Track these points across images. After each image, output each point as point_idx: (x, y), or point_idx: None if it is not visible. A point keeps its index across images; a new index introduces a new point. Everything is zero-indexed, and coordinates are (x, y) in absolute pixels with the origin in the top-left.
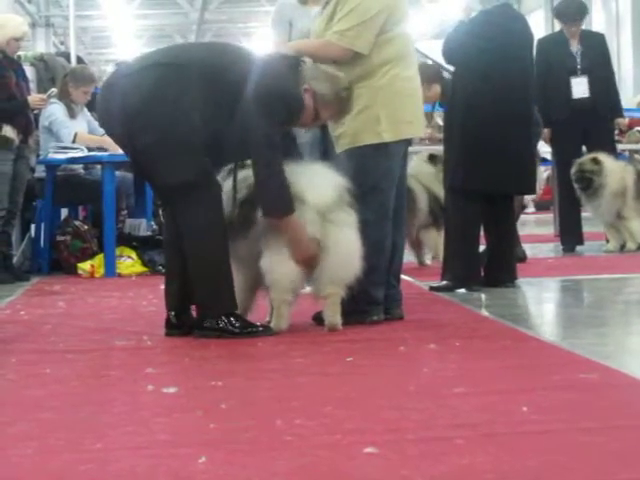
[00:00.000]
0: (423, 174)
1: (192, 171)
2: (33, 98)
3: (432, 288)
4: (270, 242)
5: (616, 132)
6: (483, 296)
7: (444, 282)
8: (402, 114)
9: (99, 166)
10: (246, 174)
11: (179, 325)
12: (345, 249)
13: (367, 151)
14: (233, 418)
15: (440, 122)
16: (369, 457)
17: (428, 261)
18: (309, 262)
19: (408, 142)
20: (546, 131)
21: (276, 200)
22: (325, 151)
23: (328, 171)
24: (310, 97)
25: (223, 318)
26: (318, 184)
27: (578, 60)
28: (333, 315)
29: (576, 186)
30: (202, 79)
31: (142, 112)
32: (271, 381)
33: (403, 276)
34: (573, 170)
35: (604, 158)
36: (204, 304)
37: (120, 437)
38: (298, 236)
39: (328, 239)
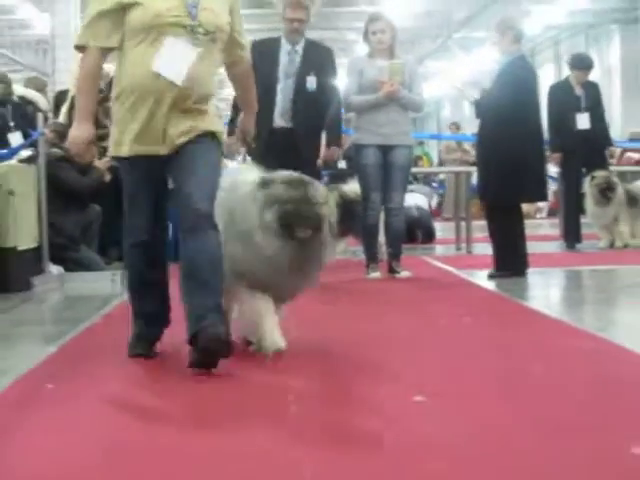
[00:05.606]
0: None
1: None
2: None
3: (490, 276)
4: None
5: (608, 157)
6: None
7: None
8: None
9: None
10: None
11: None
12: None
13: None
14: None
15: (467, 147)
16: (417, 404)
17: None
18: None
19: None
20: (556, 156)
21: None
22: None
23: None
24: None
25: None
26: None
27: (583, 100)
28: None
29: (607, 194)
30: None
31: None
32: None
33: (443, 265)
34: (601, 181)
35: None
36: None
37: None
38: None
39: None
